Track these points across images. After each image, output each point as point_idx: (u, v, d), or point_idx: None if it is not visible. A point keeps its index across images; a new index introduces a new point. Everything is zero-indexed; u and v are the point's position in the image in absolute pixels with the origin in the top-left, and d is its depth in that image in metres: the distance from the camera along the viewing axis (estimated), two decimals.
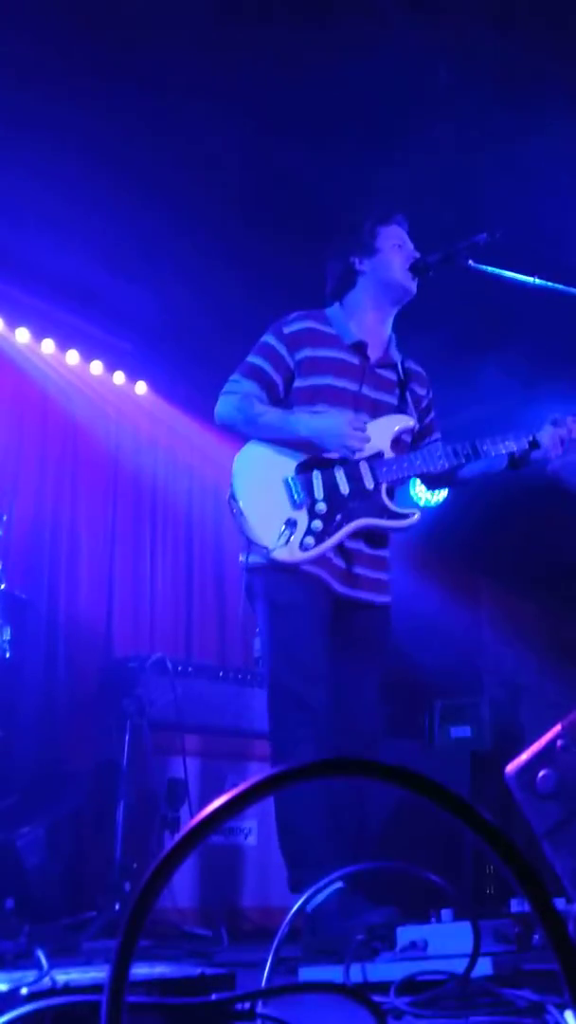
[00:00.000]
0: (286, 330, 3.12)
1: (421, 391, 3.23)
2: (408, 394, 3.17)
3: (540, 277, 3.04)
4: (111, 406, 5.84)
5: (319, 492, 2.95)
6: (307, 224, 4.42)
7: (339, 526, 2.94)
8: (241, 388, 3.10)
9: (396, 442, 3.06)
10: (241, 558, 3.07)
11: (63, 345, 5.59)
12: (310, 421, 2.99)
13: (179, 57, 4.00)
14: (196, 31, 3.88)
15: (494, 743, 5.12)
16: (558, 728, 1.98)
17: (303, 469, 2.99)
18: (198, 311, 5.43)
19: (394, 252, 3.14)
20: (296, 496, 2.95)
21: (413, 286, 3.15)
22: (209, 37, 3.90)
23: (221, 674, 4.26)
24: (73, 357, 5.65)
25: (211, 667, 4.35)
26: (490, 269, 3.08)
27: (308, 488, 2.96)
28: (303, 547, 2.90)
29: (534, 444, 3.05)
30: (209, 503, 6.20)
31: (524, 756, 1.99)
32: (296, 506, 2.94)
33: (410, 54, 3.96)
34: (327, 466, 2.98)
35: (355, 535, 2.98)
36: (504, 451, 3.04)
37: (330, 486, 2.96)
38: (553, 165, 4.26)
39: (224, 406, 3.12)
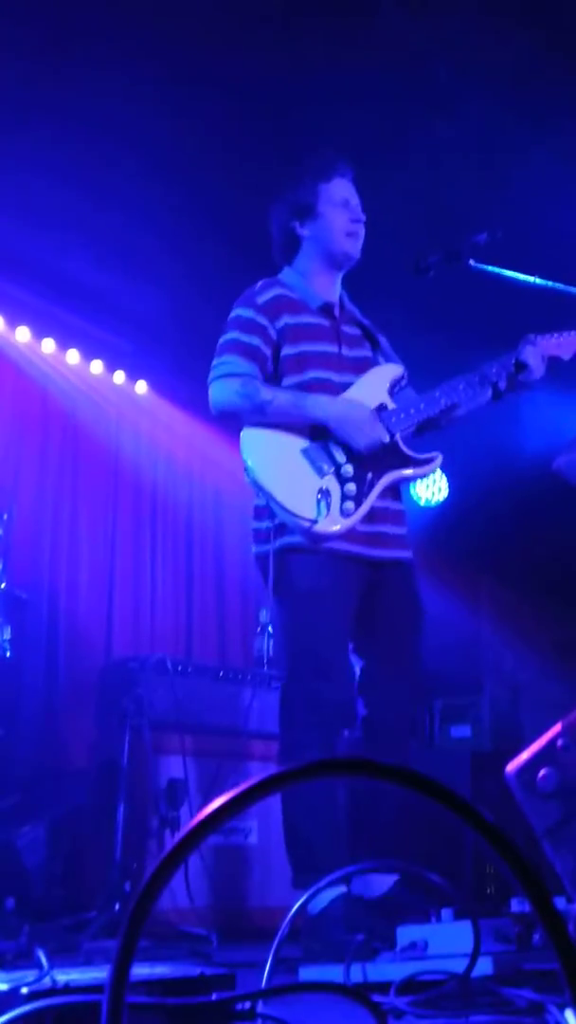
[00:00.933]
0: (259, 300, 3.01)
1: (389, 346, 3.18)
2: (385, 345, 3.13)
3: (541, 276, 3.04)
4: (111, 405, 5.84)
5: (341, 456, 2.86)
6: None
7: (372, 484, 2.85)
8: (237, 369, 2.93)
9: (391, 392, 3.00)
10: (259, 550, 2.95)
11: (63, 344, 5.59)
12: (327, 405, 2.88)
13: (178, 54, 4.00)
14: (196, 30, 3.88)
15: (494, 742, 5.11)
16: (558, 727, 1.98)
17: (317, 437, 2.88)
18: (199, 310, 5.42)
19: (336, 213, 3.03)
20: (320, 465, 2.84)
21: (355, 250, 3.06)
22: (210, 34, 3.90)
23: (221, 674, 4.25)
24: (73, 356, 5.64)
25: (211, 667, 4.34)
26: (491, 268, 3.07)
27: (329, 454, 2.86)
28: (344, 513, 2.80)
29: (519, 366, 3.00)
30: (209, 503, 6.20)
31: (524, 755, 1.99)
32: (323, 474, 2.83)
33: (410, 53, 3.96)
34: None
35: (383, 492, 2.91)
36: (493, 376, 2.99)
37: (348, 448, 2.87)
38: (554, 164, 4.26)
39: (223, 393, 2.93)
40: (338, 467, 2.85)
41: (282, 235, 3.12)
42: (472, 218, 3.32)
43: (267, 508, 2.87)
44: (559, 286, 3.01)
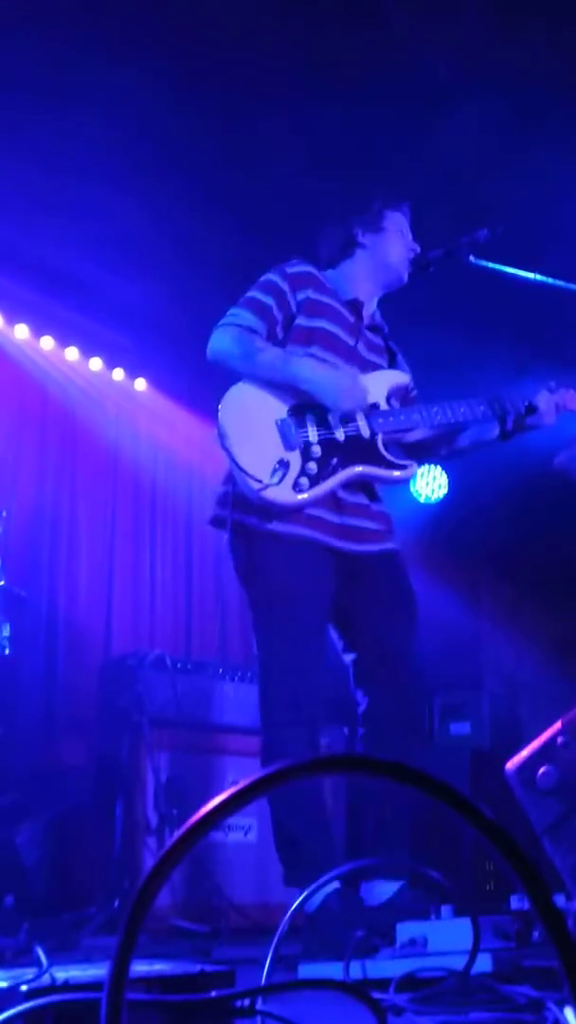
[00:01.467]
0: (290, 270, 3.03)
1: (406, 367, 3.19)
2: (401, 362, 3.13)
3: (541, 273, 3.03)
4: (111, 402, 5.84)
5: (313, 436, 2.84)
6: (308, 222, 4.41)
7: (334, 471, 2.83)
8: (242, 320, 2.95)
9: (389, 399, 3.00)
10: (219, 513, 2.94)
11: (62, 341, 5.59)
12: (314, 368, 2.87)
13: (178, 53, 3.99)
14: (197, 29, 3.87)
15: (494, 739, 5.12)
16: (558, 724, 1.98)
17: (296, 412, 2.87)
18: (198, 307, 5.41)
19: (397, 236, 3.10)
20: (290, 438, 2.82)
21: (406, 276, 3.12)
22: (210, 25, 3.89)
23: (221, 671, 4.25)
24: (72, 353, 5.64)
25: (211, 664, 4.34)
26: (491, 265, 3.07)
27: (302, 430, 2.84)
28: (297, 487, 2.78)
29: (530, 409, 2.98)
30: (209, 499, 6.17)
31: (524, 752, 1.99)
32: (289, 447, 2.81)
33: (411, 50, 3.95)
34: (321, 412, 2.88)
35: (352, 487, 2.89)
36: (500, 412, 2.96)
37: (325, 431, 2.86)
38: (555, 160, 4.25)
39: (220, 339, 2.93)
40: (307, 445, 2.83)
41: (338, 237, 3.15)
42: (473, 215, 3.32)
43: (231, 473, 2.87)
44: (560, 283, 3.00)
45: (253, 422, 2.85)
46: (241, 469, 2.78)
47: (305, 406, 2.88)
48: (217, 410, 2.89)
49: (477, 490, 5.81)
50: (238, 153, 4.45)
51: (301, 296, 2.99)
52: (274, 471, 2.77)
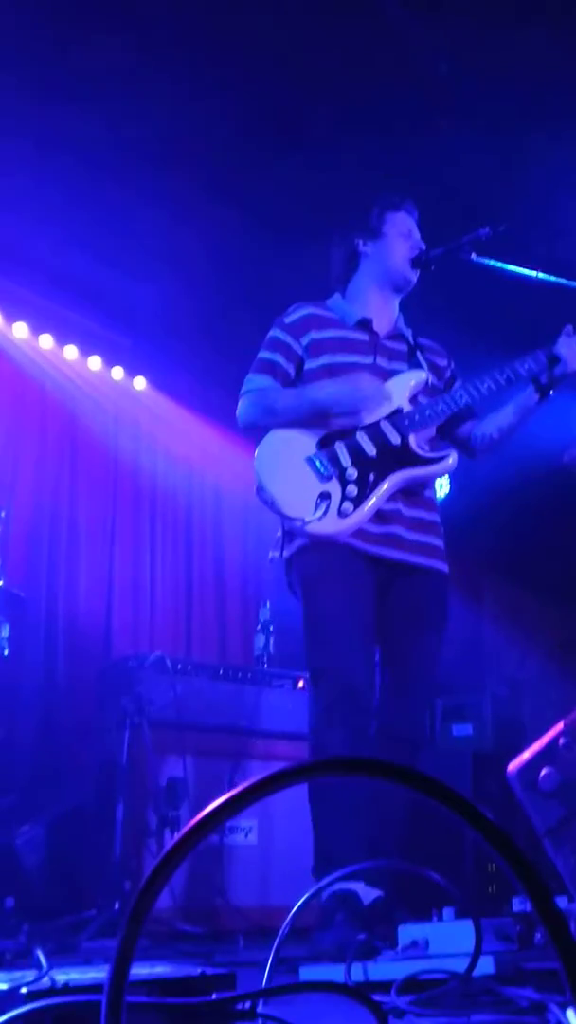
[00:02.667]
0: (287, 320, 3.12)
1: (441, 362, 3.19)
2: (423, 361, 3.12)
3: (543, 271, 3.02)
4: (110, 401, 5.83)
5: (346, 460, 2.89)
6: (307, 219, 4.41)
7: (375, 486, 2.86)
8: (255, 384, 3.07)
9: (414, 400, 3.02)
10: (273, 554, 3.01)
11: (62, 340, 5.58)
12: (327, 386, 2.95)
13: (178, 54, 3.99)
14: (198, 30, 3.87)
15: (496, 741, 5.11)
16: (560, 726, 1.97)
17: (324, 444, 2.93)
18: (197, 306, 5.42)
19: (399, 240, 3.12)
20: (323, 470, 2.88)
21: (414, 276, 3.13)
22: (210, 32, 3.89)
23: (221, 672, 4.24)
24: (72, 352, 5.64)
25: (211, 665, 4.33)
26: (493, 263, 3.06)
27: (334, 459, 2.90)
28: (342, 514, 2.83)
29: (553, 359, 2.93)
30: (209, 499, 6.20)
31: (526, 754, 1.98)
32: (325, 479, 2.87)
33: (412, 48, 3.95)
34: (348, 435, 2.93)
35: (392, 496, 2.91)
36: (524, 372, 2.93)
37: (355, 451, 2.90)
38: (556, 158, 4.25)
39: (243, 409, 3.08)
40: (342, 471, 2.88)
41: (343, 253, 3.21)
42: (474, 212, 3.32)
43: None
44: (562, 281, 2.99)
45: (286, 466, 2.93)
46: (285, 515, 2.87)
47: (332, 435, 2.93)
48: (254, 454, 2.99)
49: (479, 491, 5.80)
50: (239, 151, 4.45)
51: (305, 341, 3.08)
52: (317, 506, 2.84)
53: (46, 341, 5.51)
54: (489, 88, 4.07)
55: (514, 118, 4.12)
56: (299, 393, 2.99)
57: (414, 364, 3.11)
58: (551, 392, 2.97)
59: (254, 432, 3.08)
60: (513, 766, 2.00)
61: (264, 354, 3.11)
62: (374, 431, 2.93)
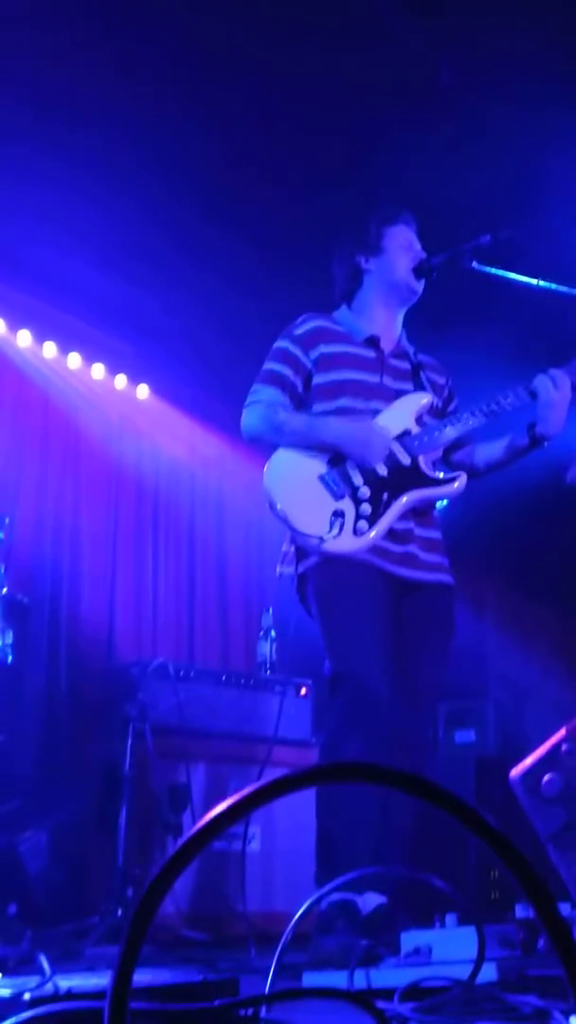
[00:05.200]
0: (297, 331, 3.12)
1: (440, 379, 3.22)
2: (425, 380, 3.15)
3: (544, 279, 3.03)
4: (113, 409, 5.84)
5: (358, 479, 2.92)
6: (309, 227, 4.43)
7: (388, 505, 2.90)
8: (264, 397, 3.08)
9: (419, 421, 3.04)
10: (283, 570, 3.02)
11: (65, 348, 5.59)
12: (337, 427, 2.97)
13: (181, 61, 4.01)
14: (198, 34, 3.88)
15: (499, 747, 5.11)
16: (563, 732, 1.97)
17: (335, 463, 2.95)
18: (200, 314, 5.43)
19: (399, 252, 3.13)
20: (336, 489, 2.91)
21: (418, 286, 3.14)
22: (211, 41, 3.91)
23: (224, 678, 4.24)
24: (75, 360, 5.64)
25: (213, 671, 4.33)
26: (494, 271, 3.07)
27: (346, 478, 2.92)
28: (357, 532, 2.86)
29: (533, 395, 2.96)
30: (211, 506, 6.20)
31: (529, 760, 1.98)
32: (338, 497, 2.90)
33: (412, 54, 3.96)
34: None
35: (404, 516, 2.95)
36: (508, 406, 2.96)
37: (367, 471, 2.92)
38: (558, 166, 4.26)
39: (249, 418, 3.09)
40: (355, 490, 2.91)
41: (345, 269, 3.21)
42: (475, 220, 3.32)
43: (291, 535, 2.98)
44: (563, 288, 3.00)
45: (298, 484, 2.95)
46: (300, 532, 2.89)
47: (342, 455, 2.96)
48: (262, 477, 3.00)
49: (482, 498, 5.80)
50: (241, 159, 4.46)
51: (314, 354, 3.09)
52: (331, 524, 2.86)
53: (49, 349, 5.51)
54: (491, 96, 4.08)
55: (516, 126, 4.13)
56: (308, 425, 3.00)
57: (418, 384, 3.13)
58: (543, 443, 3.00)
59: (256, 444, 3.12)
60: (516, 772, 2.00)
61: (272, 365, 3.11)
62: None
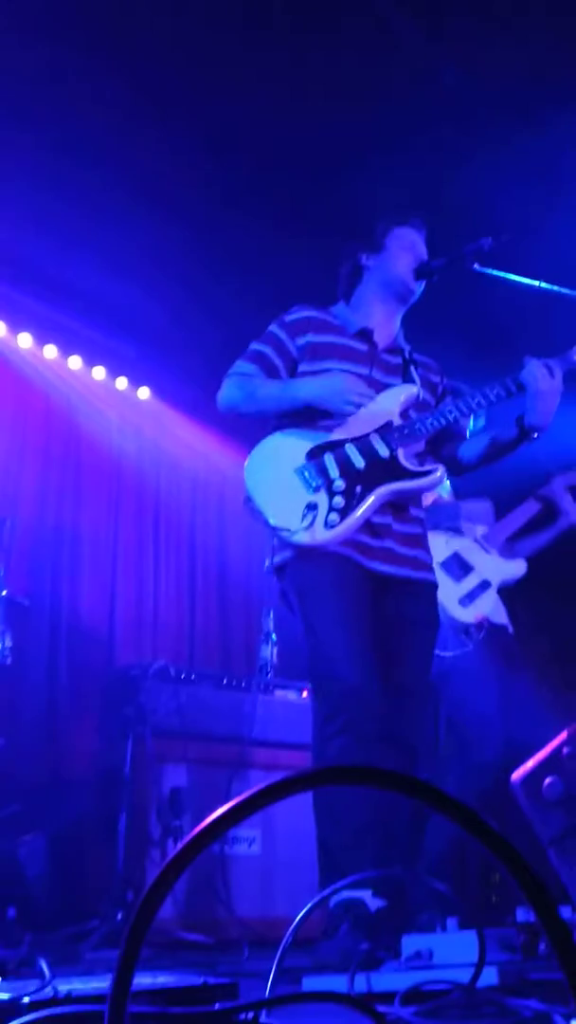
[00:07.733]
0: (288, 319, 3.14)
1: (435, 378, 3.21)
2: (415, 375, 3.14)
3: (545, 281, 3.03)
4: (114, 411, 5.84)
5: (334, 471, 2.90)
6: (311, 229, 4.43)
7: (361, 498, 2.87)
8: (239, 369, 3.11)
9: (404, 414, 3.03)
10: (268, 563, 3.03)
11: (65, 350, 5.60)
12: (310, 382, 2.99)
13: (183, 63, 4.01)
14: (199, 37, 3.89)
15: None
16: (564, 735, 1.97)
17: (313, 455, 2.94)
18: (201, 316, 5.44)
19: (401, 252, 3.14)
20: (311, 481, 2.90)
21: (416, 286, 3.15)
22: (213, 43, 3.91)
23: (224, 681, 4.24)
24: (76, 362, 5.65)
25: (214, 674, 4.33)
26: (495, 273, 3.07)
27: (322, 471, 2.91)
28: (328, 525, 2.84)
29: (520, 387, 2.93)
30: (212, 508, 6.20)
31: (530, 763, 1.98)
32: (313, 490, 2.89)
33: (415, 57, 3.96)
34: (337, 447, 2.94)
35: (381, 509, 2.93)
36: (494, 398, 2.93)
37: (344, 463, 2.91)
38: (561, 168, 4.26)
39: (224, 390, 3.12)
40: (329, 482, 2.90)
41: (347, 265, 3.25)
42: (476, 223, 3.33)
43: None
44: (565, 291, 3.00)
45: (274, 476, 2.95)
46: (272, 526, 2.89)
47: (322, 447, 2.94)
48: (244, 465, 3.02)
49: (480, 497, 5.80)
50: (243, 162, 4.47)
51: (301, 341, 3.09)
52: (303, 516, 2.86)
53: (50, 351, 5.52)
54: (494, 98, 4.09)
55: (519, 127, 4.13)
56: (282, 386, 3.03)
57: (408, 379, 3.12)
58: (533, 436, 2.97)
59: (232, 414, 3.13)
60: (517, 775, 2.00)
61: (255, 345, 3.15)
62: (364, 443, 2.95)
